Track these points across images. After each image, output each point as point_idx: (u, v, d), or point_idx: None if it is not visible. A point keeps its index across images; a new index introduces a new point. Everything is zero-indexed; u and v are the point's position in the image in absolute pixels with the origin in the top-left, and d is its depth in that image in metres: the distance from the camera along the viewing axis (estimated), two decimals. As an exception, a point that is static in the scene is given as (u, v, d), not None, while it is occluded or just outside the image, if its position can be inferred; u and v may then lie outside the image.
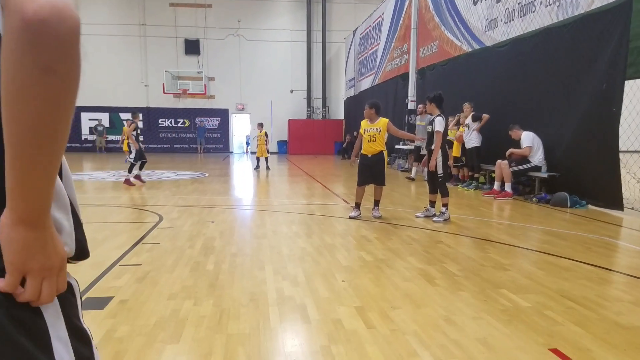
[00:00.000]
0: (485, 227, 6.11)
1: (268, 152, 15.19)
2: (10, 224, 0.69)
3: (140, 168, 10.73)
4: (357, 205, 6.77)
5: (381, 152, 6.66)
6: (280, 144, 26.12)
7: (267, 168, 15.04)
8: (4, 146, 0.66)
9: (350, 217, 6.64)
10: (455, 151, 10.41)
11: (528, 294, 3.52)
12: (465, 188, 9.94)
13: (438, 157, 6.46)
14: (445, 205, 6.45)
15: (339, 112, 26.49)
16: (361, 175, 6.74)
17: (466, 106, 10.03)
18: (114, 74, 24.49)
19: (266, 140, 15.01)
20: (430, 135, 6.58)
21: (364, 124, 6.70)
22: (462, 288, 3.66)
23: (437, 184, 6.55)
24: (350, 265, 4.30)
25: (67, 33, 0.62)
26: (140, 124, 11.96)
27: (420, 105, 11.90)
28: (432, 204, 6.72)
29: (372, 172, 6.64)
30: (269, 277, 3.92)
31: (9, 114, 0.64)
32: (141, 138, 25.53)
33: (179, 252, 4.69)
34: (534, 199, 8.21)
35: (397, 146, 14.72)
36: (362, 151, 6.74)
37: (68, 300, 0.80)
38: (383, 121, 6.65)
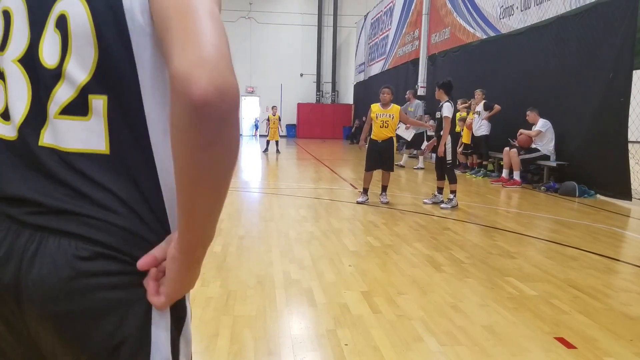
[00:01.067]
0: (493, 215, 6.09)
1: (280, 135, 15.18)
2: (175, 257, 0.76)
3: None
4: (365, 191, 6.75)
5: (391, 138, 6.61)
6: (289, 127, 26.07)
7: (277, 151, 15.02)
8: (177, 205, 0.73)
9: (358, 202, 6.64)
10: (465, 138, 10.34)
11: (535, 283, 3.51)
12: (474, 175, 9.89)
13: (447, 142, 6.42)
14: (453, 192, 6.43)
15: (348, 96, 26.34)
16: (370, 161, 6.69)
17: (478, 93, 9.93)
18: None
19: (279, 124, 15.08)
20: (440, 121, 6.54)
21: (376, 108, 6.59)
22: (468, 275, 3.66)
23: (446, 170, 6.51)
24: (357, 250, 4.31)
25: (229, 110, 0.66)
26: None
27: (408, 92, 11.64)
28: (440, 190, 6.70)
29: (381, 158, 6.60)
30: (276, 260, 3.94)
31: (181, 182, 0.70)
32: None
33: (187, 233, 4.72)
34: (542, 187, 8.16)
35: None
36: (372, 136, 6.66)
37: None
38: (396, 108, 6.61)
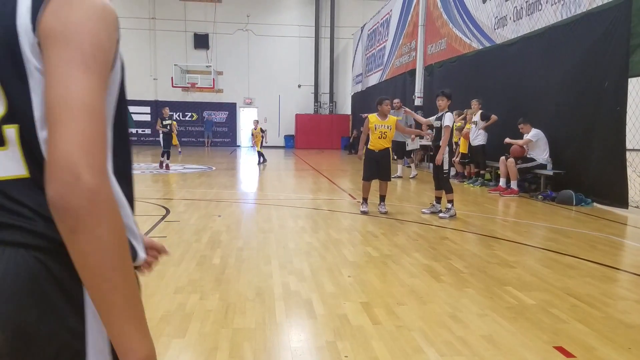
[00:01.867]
0: (491, 224, 6.11)
1: (262, 146, 15.35)
2: None
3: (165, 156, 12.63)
4: (365, 200, 6.80)
5: (387, 148, 6.73)
6: (288, 138, 26.13)
7: (259, 162, 15.06)
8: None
9: (362, 212, 6.66)
10: (462, 148, 10.38)
11: (533, 292, 3.52)
12: (472, 185, 9.92)
13: (445, 154, 6.46)
14: (450, 201, 6.45)
15: (346, 107, 26.44)
16: (367, 170, 6.76)
17: (474, 103, 9.99)
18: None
19: (262, 136, 15.41)
20: (439, 130, 6.57)
21: (374, 119, 6.68)
22: (467, 285, 3.67)
23: (442, 180, 6.54)
24: (356, 260, 4.32)
25: (78, 213, 0.73)
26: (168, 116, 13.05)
27: (396, 100, 11.49)
28: (438, 200, 6.72)
29: (378, 168, 6.68)
30: (275, 271, 3.94)
31: (80, 275, 0.77)
32: (147, 130, 25.68)
33: (186, 245, 4.73)
34: (540, 196, 8.19)
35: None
36: (369, 146, 6.74)
37: None
38: (393, 119, 6.74)
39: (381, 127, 6.62)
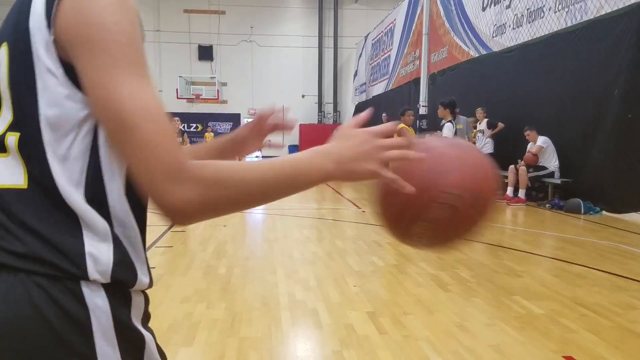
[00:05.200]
0: (498, 233, 6.07)
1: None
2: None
3: None
4: None
5: None
6: (292, 148, 26.17)
7: None
8: None
9: None
10: None
11: (541, 301, 3.49)
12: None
13: None
14: None
15: (350, 117, 26.48)
16: None
17: (479, 111, 9.99)
18: (127, 79, 24.74)
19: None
20: None
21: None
22: (475, 294, 3.65)
23: None
24: (361, 270, 4.30)
25: (199, 211, 0.76)
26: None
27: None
28: None
29: None
30: (281, 281, 3.93)
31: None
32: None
33: (192, 255, 4.73)
34: (547, 205, 8.14)
35: None
36: None
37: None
38: (409, 129, 6.82)
39: None
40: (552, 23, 8.66)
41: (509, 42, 10.01)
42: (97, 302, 0.76)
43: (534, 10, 9.23)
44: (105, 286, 0.77)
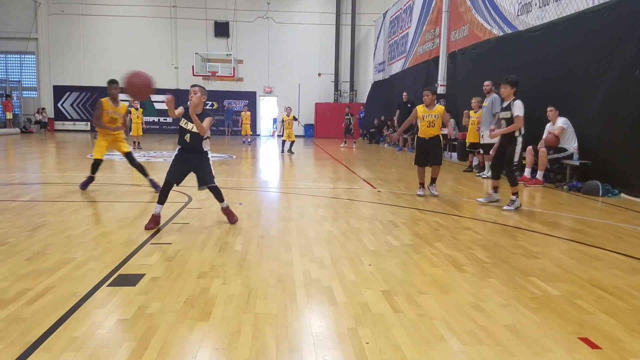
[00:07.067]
0: (515, 214, 6.02)
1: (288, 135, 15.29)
2: None
3: None
4: (422, 185, 7.25)
5: (437, 135, 7.11)
6: (307, 127, 26.11)
7: (290, 152, 15.03)
8: None
9: (419, 196, 7.11)
10: (472, 137, 10.23)
11: (558, 283, 3.47)
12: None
13: (517, 145, 6.18)
14: (515, 193, 6.20)
15: (366, 95, 26.25)
16: (419, 157, 7.27)
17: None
18: (145, 56, 24.77)
19: (296, 122, 15.32)
20: (509, 121, 6.22)
21: (422, 109, 7.13)
22: (490, 275, 3.63)
23: (508, 172, 6.25)
24: (376, 249, 4.30)
25: None
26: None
27: (487, 83, 9.87)
28: (495, 189, 6.54)
29: (429, 154, 7.13)
30: (296, 259, 3.96)
31: None
32: (169, 119, 25.83)
33: (208, 232, 4.78)
34: (565, 187, 8.03)
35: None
36: (419, 134, 7.24)
37: None
38: (440, 109, 7.10)
39: (428, 117, 7.08)
40: (578, 1, 8.42)
41: (535, 21, 9.77)
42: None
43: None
44: None
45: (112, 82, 6.85)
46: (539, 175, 8.46)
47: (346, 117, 18.89)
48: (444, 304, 3.03)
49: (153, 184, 7.02)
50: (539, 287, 3.39)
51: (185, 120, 4.92)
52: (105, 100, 6.90)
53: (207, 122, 4.91)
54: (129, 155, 7.13)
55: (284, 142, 15.26)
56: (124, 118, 7.15)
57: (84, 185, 7.03)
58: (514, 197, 6.23)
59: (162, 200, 4.97)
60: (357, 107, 25.66)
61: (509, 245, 4.53)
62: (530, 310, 2.96)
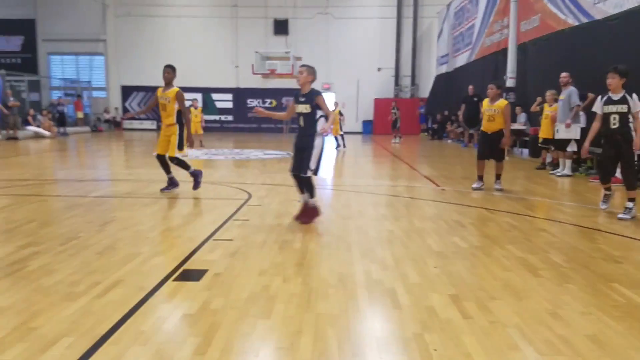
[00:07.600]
0: (593, 216, 5.61)
1: (341, 129, 15.24)
2: None
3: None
4: (480, 177, 7.24)
5: (500, 130, 6.99)
6: (366, 123, 25.87)
7: (338, 146, 15.03)
8: None
9: (473, 189, 7.16)
10: (545, 132, 9.65)
11: (645, 291, 3.16)
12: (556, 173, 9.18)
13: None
14: (632, 199, 5.36)
15: (429, 90, 25.61)
16: (480, 150, 7.31)
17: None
18: (206, 55, 25.44)
19: (340, 119, 15.23)
20: (623, 116, 5.53)
21: (485, 103, 7.18)
22: (568, 280, 3.37)
23: (629, 174, 5.53)
24: (442, 250, 4.12)
25: None
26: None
27: (564, 74, 9.12)
28: (609, 194, 5.74)
29: (490, 149, 7.08)
30: (356, 259, 3.86)
31: None
32: (229, 117, 26.46)
33: (268, 229, 4.77)
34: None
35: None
36: (482, 128, 7.27)
37: None
38: (501, 103, 7.00)
39: (489, 111, 7.04)
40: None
41: (613, 10, 9.11)
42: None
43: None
44: None
45: (166, 66, 6.76)
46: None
47: (392, 111, 18.61)
48: (518, 311, 2.83)
49: (173, 181, 6.82)
50: (623, 294, 3.11)
51: (298, 105, 5.02)
52: (161, 88, 6.84)
53: (320, 100, 4.95)
54: (160, 158, 6.81)
55: (335, 138, 15.28)
56: (175, 105, 6.62)
57: (196, 186, 6.76)
58: (630, 204, 5.34)
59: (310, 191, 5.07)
60: (416, 103, 25.13)
61: (588, 248, 4.20)
62: (614, 319, 2.71)
